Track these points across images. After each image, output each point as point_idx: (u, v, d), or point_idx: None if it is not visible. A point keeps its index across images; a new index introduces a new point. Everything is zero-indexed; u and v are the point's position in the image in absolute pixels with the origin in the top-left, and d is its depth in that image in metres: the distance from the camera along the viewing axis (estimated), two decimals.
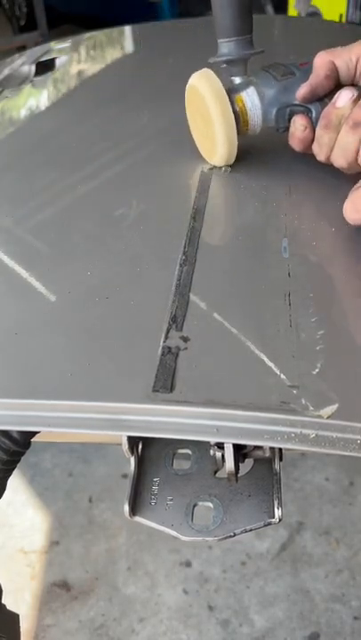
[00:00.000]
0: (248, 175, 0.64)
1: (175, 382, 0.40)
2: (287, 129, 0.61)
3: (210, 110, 0.59)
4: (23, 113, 0.94)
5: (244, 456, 0.45)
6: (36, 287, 0.50)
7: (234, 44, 0.62)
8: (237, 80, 0.63)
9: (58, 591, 1.23)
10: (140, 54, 1.24)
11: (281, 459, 0.46)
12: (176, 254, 0.53)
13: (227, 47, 0.62)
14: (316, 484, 1.40)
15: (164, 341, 0.43)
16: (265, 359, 0.41)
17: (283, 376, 0.40)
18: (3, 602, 0.50)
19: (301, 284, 0.48)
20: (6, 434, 0.44)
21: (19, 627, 0.51)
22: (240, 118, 0.61)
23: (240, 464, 0.44)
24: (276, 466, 0.46)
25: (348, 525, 1.31)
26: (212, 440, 0.42)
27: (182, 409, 0.39)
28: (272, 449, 0.45)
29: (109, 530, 1.33)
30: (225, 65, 0.63)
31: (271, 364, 0.41)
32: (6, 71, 1.12)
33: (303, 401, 0.38)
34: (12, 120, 0.92)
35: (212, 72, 0.61)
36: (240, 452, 0.43)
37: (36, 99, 1.01)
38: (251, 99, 0.61)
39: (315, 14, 2.51)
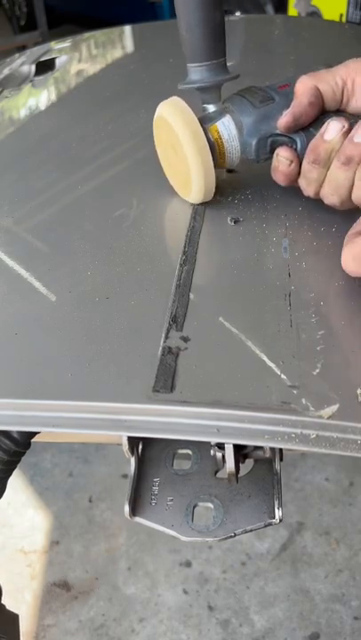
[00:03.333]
0: (249, 177, 0.64)
1: (175, 382, 0.40)
2: (268, 159, 0.56)
3: (182, 143, 0.54)
4: (23, 113, 0.94)
5: (245, 456, 0.45)
6: (36, 287, 0.50)
7: (206, 70, 0.56)
8: (211, 108, 0.57)
9: (58, 591, 1.23)
10: (140, 54, 1.24)
11: (281, 459, 0.46)
12: (176, 254, 0.53)
13: (198, 73, 0.56)
14: (317, 485, 1.40)
15: (165, 341, 0.43)
16: (265, 359, 0.41)
17: (283, 376, 0.40)
18: (3, 602, 0.50)
19: (301, 284, 0.48)
20: (6, 434, 0.44)
21: (18, 627, 0.51)
22: (216, 151, 0.56)
23: (240, 464, 0.44)
24: (277, 466, 0.46)
25: (349, 525, 1.31)
26: (213, 440, 0.41)
27: (183, 409, 0.39)
28: (272, 449, 0.45)
29: (109, 530, 1.33)
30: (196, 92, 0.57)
31: (272, 365, 0.41)
32: (6, 71, 1.12)
33: (304, 401, 0.38)
34: (12, 120, 0.92)
35: (181, 101, 0.55)
36: (240, 452, 0.43)
37: (36, 99, 1.01)
38: (227, 129, 0.55)
39: (315, 14, 2.51)
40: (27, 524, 1.36)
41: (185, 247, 0.54)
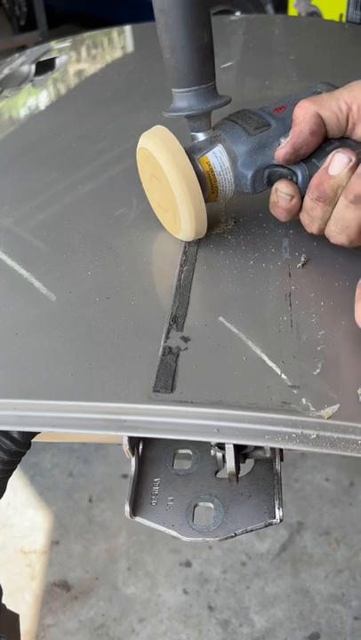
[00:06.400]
0: None
1: (176, 382, 0.40)
2: (266, 190, 0.51)
3: (168, 178, 0.48)
4: (23, 113, 0.94)
5: (245, 456, 0.45)
6: (36, 287, 0.50)
7: (194, 95, 0.49)
8: (200, 137, 0.51)
9: (58, 591, 1.23)
10: (140, 54, 1.24)
11: (282, 459, 0.46)
12: (176, 254, 0.53)
13: (185, 100, 0.49)
14: (317, 485, 1.40)
15: (165, 341, 0.43)
16: (266, 359, 0.41)
17: (283, 376, 0.40)
18: (3, 602, 0.50)
19: (302, 284, 0.48)
20: (7, 434, 0.44)
21: (19, 627, 0.51)
22: (207, 185, 0.50)
23: (241, 464, 0.44)
24: (277, 466, 0.46)
25: (349, 525, 1.31)
26: (213, 440, 0.41)
27: (183, 409, 0.39)
28: (273, 449, 0.45)
29: (109, 530, 1.33)
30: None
31: (272, 365, 0.41)
32: (6, 71, 1.12)
33: (304, 401, 0.38)
34: (12, 120, 0.92)
35: (165, 129, 0.50)
36: (241, 452, 0.43)
37: (36, 99, 1.01)
38: (219, 160, 0.50)
39: (315, 14, 2.51)
40: (27, 523, 1.36)
41: (185, 247, 0.54)
